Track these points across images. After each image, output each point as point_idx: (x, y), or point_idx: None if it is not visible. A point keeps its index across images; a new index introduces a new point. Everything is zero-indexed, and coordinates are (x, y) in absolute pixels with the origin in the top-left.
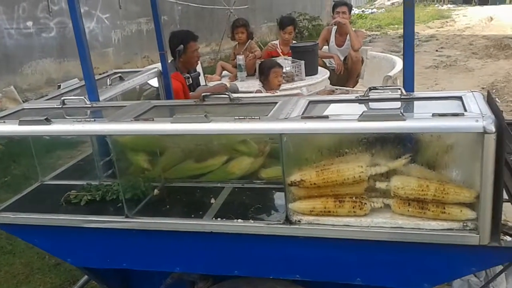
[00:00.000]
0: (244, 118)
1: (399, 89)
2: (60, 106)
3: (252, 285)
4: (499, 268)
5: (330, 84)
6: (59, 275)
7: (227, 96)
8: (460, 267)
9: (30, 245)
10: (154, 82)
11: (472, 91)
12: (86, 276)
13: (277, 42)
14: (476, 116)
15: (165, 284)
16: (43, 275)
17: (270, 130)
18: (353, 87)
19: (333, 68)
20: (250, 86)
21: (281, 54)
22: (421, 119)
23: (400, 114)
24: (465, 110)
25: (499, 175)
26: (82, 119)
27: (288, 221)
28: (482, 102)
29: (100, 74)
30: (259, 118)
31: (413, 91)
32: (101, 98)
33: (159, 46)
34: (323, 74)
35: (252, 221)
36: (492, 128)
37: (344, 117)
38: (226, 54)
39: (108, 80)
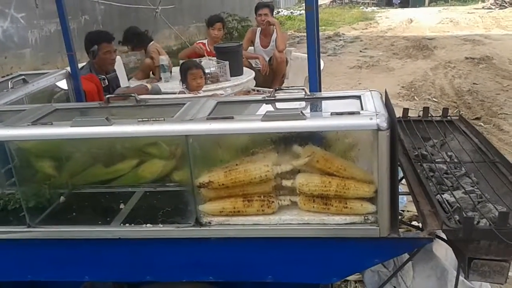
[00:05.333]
0: (148, 120)
1: (303, 89)
2: None
3: None
4: (407, 257)
5: (256, 84)
6: None
7: (133, 97)
8: (364, 259)
9: None
10: (65, 85)
11: (370, 90)
12: None
13: (205, 41)
14: (371, 114)
15: None
16: None
17: (174, 131)
18: (278, 88)
19: (258, 68)
20: (174, 87)
21: (205, 54)
22: (320, 118)
23: (301, 114)
24: (362, 108)
25: (394, 169)
26: None
27: (198, 223)
28: (378, 101)
29: (2, 76)
30: (164, 120)
31: (318, 91)
32: (1, 102)
33: (67, 47)
34: (248, 74)
35: (162, 225)
36: (385, 125)
37: (249, 117)
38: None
39: (9, 83)
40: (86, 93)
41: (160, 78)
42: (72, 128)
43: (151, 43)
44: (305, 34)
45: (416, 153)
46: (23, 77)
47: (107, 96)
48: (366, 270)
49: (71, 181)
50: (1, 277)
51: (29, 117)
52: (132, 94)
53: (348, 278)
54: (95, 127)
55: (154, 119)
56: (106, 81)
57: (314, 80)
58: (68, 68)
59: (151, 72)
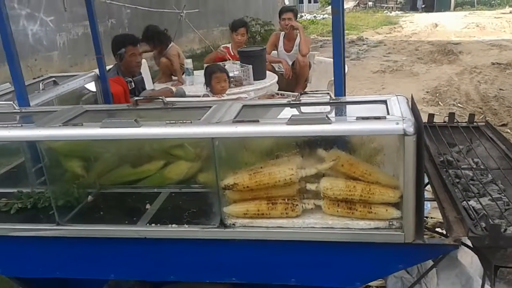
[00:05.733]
0: (175, 123)
1: (328, 93)
2: None
3: None
4: (431, 264)
5: (279, 88)
6: None
7: (161, 100)
8: (388, 264)
9: None
10: (94, 87)
11: (396, 95)
12: None
13: (229, 45)
14: (397, 119)
15: None
16: None
17: (201, 134)
18: (301, 92)
19: (281, 72)
20: (198, 91)
21: (229, 58)
22: (346, 122)
23: (326, 118)
24: (388, 113)
25: (420, 175)
26: (8, 124)
27: (222, 224)
28: (404, 106)
29: (34, 78)
30: (191, 122)
31: (343, 95)
32: (32, 103)
33: (96, 50)
34: (271, 78)
35: (187, 226)
36: (411, 130)
37: (274, 120)
38: None
39: (41, 84)
40: (113, 95)
41: (181, 82)
42: (101, 130)
43: (171, 45)
44: (328, 38)
45: (442, 159)
46: (53, 79)
47: (135, 98)
48: (389, 276)
49: (99, 181)
50: (31, 273)
51: (60, 118)
52: (160, 97)
53: (369, 283)
54: (124, 128)
55: (181, 121)
56: (132, 83)
57: (340, 84)
58: (97, 71)
59: (171, 75)
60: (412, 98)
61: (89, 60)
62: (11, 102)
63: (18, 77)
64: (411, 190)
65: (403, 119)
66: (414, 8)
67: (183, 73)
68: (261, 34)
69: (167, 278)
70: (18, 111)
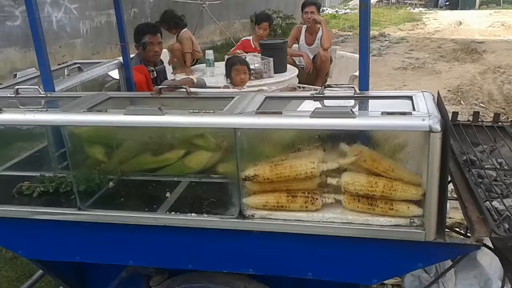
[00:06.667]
0: (198, 112)
1: (353, 87)
2: (13, 95)
3: (207, 278)
4: (449, 263)
5: (299, 82)
6: (16, 268)
7: (185, 89)
8: (407, 262)
9: None
10: (117, 75)
11: (423, 91)
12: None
13: (250, 38)
14: (423, 115)
15: (120, 277)
16: None
17: (224, 124)
18: (321, 86)
19: (302, 66)
20: (218, 82)
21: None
22: (370, 117)
23: (351, 112)
24: (414, 109)
25: (445, 173)
26: (34, 108)
27: (241, 215)
28: (431, 102)
29: (59, 64)
30: (214, 112)
31: (367, 90)
32: (57, 89)
33: (121, 38)
34: (291, 72)
35: (206, 215)
36: (437, 127)
37: (297, 113)
38: None
39: (66, 70)
40: (135, 83)
41: (189, 68)
42: (125, 116)
43: (185, 29)
44: (349, 33)
45: (465, 158)
46: (78, 65)
47: (159, 86)
48: (406, 274)
49: (120, 167)
50: (51, 256)
51: (85, 103)
52: (184, 86)
53: (385, 281)
54: (148, 116)
55: (204, 111)
56: (154, 73)
57: (364, 78)
58: (120, 59)
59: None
60: (439, 95)
61: (111, 48)
62: (37, 87)
63: (44, 62)
64: (434, 188)
65: (429, 116)
66: (437, 5)
67: (194, 61)
68: (282, 27)
69: (185, 266)
70: (44, 95)
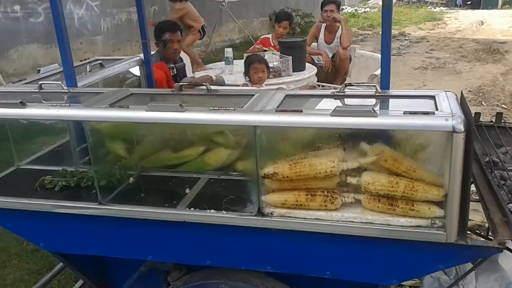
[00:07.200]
0: (218, 109)
1: (374, 86)
2: (37, 91)
3: (225, 275)
4: (469, 266)
5: (318, 81)
6: (37, 261)
7: (205, 87)
8: (427, 264)
9: (8, 230)
10: (137, 71)
11: (446, 91)
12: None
13: (269, 36)
14: (446, 115)
15: (139, 272)
16: (20, 261)
17: (244, 121)
18: (340, 85)
19: (321, 65)
20: (237, 80)
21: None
22: (392, 116)
23: (372, 111)
24: (437, 109)
25: (467, 174)
26: (57, 104)
27: (260, 213)
28: (454, 102)
29: (81, 60)
30: (234, 110)
31: (388, 88)
32: (79, 84)
33: (142, 35)
34: (310, 70)
35: (225, 212)
36: (461, 127)
37: (318, 111)
38: (216, 47)
39: (88, 66)
40: (155, 80)
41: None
42: (147, 113)
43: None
44: (368, 32)
45: (487, 159)
46: (100, 61)
47: (180, 83)
48: (426, 276)
49: (140, 163)
50: (71, 250)
51: (107, 99)
52: (204, 83)
53: (403, 283)
54: (169, 112)
55: (224, 108)
56: (174, 70)
57: (386, 77)
58: (141, 55)
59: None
60: (462, 95)
61: (131, 45)
62: (60, 82)
63: (68, 58)
64: (456, 189)
65: (453, 116)
66: (458, 5)
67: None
68: (300, 26)
69: (203, 262)
70: (66, 91)
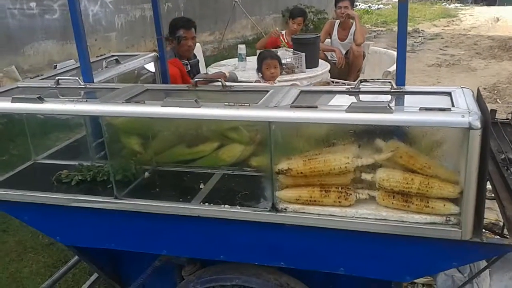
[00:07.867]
0: (233, 105)
1: (390, 82)
2: (54, 86)
3: (238, 271)
4: (483, 264)
5: (331, 77)
6: (52, 254)
7: (220, 82)
8: (442, 261)
9: (24, 224)
10: (152, 67)
11: (462, 87)
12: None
13: (283, 32)
14: (463, 112)
15: (153, 266)
16: (36, 254)
17: (259, 117)
18: (354, 82)
19: (334, 61)
20: (250, 76)
21: (282, 39)
22: (408, 113)
23: (388, 107)
24: (453, 105)
25: (483, 171)
26: (74, 99)
27: (274, 208)
28: (470, 99)
29: (97, 56)
30: (249, 105)
31: (404, 85)
32: (96, 80)
33: (157, 31)
34: (323, 67)
35: (239, 207)
36: (477, 124)
37: (333, 107)
38: (229, 43)
39: (104, 62)
40: (170, 76)
41: None
42: (163, 108)
43: None
44: (382, 29)
45: (503, 156)
46: (116, 57)
47: (195, 79)
48: (439, 273)
49: (155, 158)
50: (87, 243)
51: (123, 95)
52: (219, 79)
53: (416, 280)
54: (184, 108)
55: (239, 104)
56: (188, 66)
57: (402, 74)
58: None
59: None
60: (478, 91)
61: (145, 42)
62: (77, 78)
63: (84, 54)
64: (472, 187)
65: (469, 112)
66: (475, 1)
67: None
68: (314, 22)
69: (217, 257)
70: (83, 86)
